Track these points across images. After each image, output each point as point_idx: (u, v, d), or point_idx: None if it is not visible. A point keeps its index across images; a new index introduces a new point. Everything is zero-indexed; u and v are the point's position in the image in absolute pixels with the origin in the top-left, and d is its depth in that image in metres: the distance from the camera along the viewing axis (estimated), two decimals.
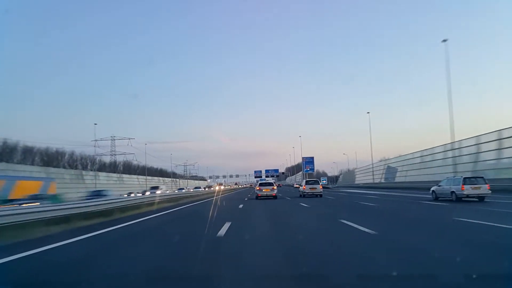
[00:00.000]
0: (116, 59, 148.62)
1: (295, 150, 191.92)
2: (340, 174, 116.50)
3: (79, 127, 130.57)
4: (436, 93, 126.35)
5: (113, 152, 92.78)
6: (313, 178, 48.83)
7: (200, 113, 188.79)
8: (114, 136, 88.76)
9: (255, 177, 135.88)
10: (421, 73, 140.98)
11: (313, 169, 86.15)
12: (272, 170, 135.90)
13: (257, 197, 27.72)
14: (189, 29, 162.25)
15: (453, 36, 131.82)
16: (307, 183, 30.79)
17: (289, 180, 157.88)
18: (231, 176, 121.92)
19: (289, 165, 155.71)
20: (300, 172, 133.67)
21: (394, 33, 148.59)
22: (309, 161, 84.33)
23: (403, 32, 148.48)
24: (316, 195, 28.66)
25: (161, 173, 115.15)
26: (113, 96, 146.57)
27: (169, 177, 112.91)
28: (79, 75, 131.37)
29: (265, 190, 27.84)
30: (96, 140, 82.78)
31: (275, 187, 28.95)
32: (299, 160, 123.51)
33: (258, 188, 28.57)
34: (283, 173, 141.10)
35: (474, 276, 4.43)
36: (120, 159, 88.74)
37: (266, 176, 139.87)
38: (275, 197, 27.66)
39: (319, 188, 29.48)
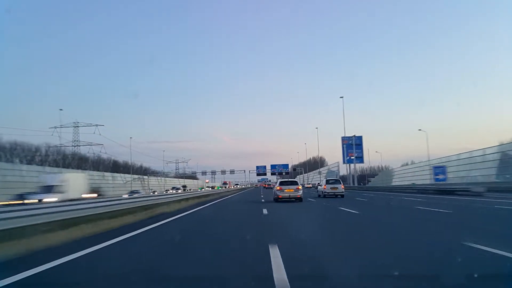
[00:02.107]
0: (116, 59, 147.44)
1: (315, 134, 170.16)
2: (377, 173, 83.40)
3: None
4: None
5: (76, 142, 71.34)
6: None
7: (201, 112, 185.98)
8: (78, 122, 70.68)
9: (258, 174, 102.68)
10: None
11: (362, 157, 52.10)
12: (280, 165, 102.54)
13: (278, 199, 22.14)
14: (189, 29, 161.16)
15: None
16: (327, 182, 28.65)
17: (299, 179, 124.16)
18: (223, 172, 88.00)
19: (296, 163, 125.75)
20: (323, 168, 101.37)
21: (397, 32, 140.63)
22: (357, 143, 49.95)
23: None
24: (336, 195, 26.36)
25: (125, 168, 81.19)
26: (113, 96, 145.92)
27: (138, 173, 79.61)
28: (79, 74, 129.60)
29: (288, 191, 22.20)
30: (55, 127, 64.53)
31: (300, 187, 22.93)
32: (316, 153, 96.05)
33: (278, 188, 22.70)
34: (294, 169, 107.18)
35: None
36: (84, 150, 71.37)
37: (272, 174, 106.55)
38: (300, 199, 22.03)
39: (340, 187, 27.22)
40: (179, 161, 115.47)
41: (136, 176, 77.16)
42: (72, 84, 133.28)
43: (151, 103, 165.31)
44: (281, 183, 23.26)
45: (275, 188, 23.56)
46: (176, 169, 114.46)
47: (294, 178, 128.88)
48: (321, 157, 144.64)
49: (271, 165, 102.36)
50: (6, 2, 75.90)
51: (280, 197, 22.03)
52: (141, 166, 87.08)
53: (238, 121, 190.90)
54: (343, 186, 27.85)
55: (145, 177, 79.57)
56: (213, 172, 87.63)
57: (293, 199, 21.94)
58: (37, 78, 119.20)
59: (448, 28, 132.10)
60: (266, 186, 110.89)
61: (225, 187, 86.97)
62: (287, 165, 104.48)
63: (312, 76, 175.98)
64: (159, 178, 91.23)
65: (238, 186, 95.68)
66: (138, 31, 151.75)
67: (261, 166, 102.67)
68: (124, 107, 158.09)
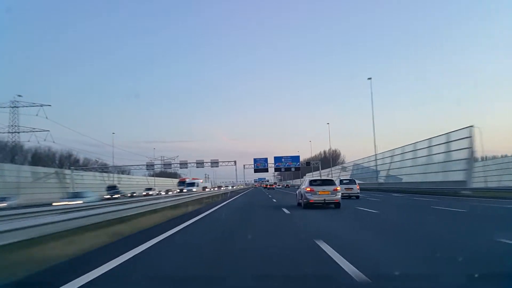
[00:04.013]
0: (117, 59, 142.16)
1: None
2: None
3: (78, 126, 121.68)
4: None
5: (14, 127, 50.11)
6: None
7: (201, 113, 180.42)
8: (18, 102, 50.17)
9: (256, 170, 71.52)
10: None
11: None
12: (287, 158, 71.78)
13: (308, 204, 16.56)
14: (190, 30, 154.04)
15: None
16: (341, 182, 25.90)
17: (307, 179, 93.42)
18: (199, 165, 55.23)
19: (303, 159, 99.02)
20: (351, 163, 71.43)
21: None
22: None
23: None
24: (350, 197, 24.38)
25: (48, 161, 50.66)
26: (114, 95, 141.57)
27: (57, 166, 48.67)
28: (80, 74, 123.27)
29: (322, 193, 16.56)
30: None
31: (338, 188, 17.19)
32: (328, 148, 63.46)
33: (308, 189, 16.87)
34: (307, 163, 76.04)
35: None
36: (25, 138, 48.86)
37: (277, 169, 75.76)
38: (338, 204, 16.53)
39: (355, 188, 25.55)
40: (164, 158, 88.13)
41: (52, 170, 45.45)
42: (72, 84, 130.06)
43: (151, 103, 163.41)
44: (312, 183, 17.29)
45: (302, 190, 17.49)
46: (162, 166, 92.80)
47: (305, 175, 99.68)
48: (335, 150, 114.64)
49: (275, 158, 71.30)
50: (6, 2, 69.70)
51: (311, 201, 16.47)
52: (68, 156, 55.57)
53: (238, 121, 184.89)
54: (358, 187, 26.07)
55: (67, 171, 47.83)
56: (183, 164, 55.35)
57: (327, 204, 16.59)
58: (36, 78, 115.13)
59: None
60: (268, 186, 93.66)
61: (181, 190, 52.63)
62: (298, 157, 73.17)
63: (313, 75, 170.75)
64: (106, 174, 59.44)
65: (195, 190, 47.70)
66: (140, 31, 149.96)
67: (260, 159, 71.55)
68: (123, 107, 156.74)
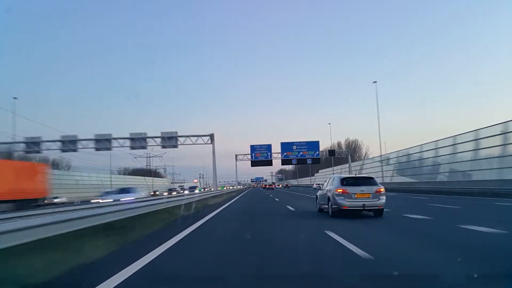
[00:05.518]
0: (117, 59, 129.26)
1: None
2: None
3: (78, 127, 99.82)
4: None
5: None
6: None
7: (200, 113, 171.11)
8: None
9: (253, 163, 47.56)
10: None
11: None
12: (301, 144, 47.82)
13: (339, 212, 12.04)
14: (190, 30, 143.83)
15: None
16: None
17: (326, 179, 70.64)
18: (139, 146, 29.84)
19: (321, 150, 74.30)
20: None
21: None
22: None
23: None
24: None
25: None
26: (114, 95, 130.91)
27: None
28: (80, 74, 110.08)
29: (360, 196, 11.93)
30: None
31: (382, 189, 12.11)
32: (350, 137, 43.85)
33: (340, 190, 12.14)
34: (331, 152, 51.76)
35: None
36: None
37: (285, 162, 51.41)
38: (380, 212, 11.99)
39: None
40: (150, 155, 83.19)
41: None
42: (72, 84, 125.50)
43: (150, 103, 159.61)
44: (345, 182, 12.38)
45: (330, 192, 12.73)
46: (147, 164, 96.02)
47: (317, 173, 75.20)
48: (355, 140, 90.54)
49: (283, 145, 47.34)
50: (6, 2, 55.32)
51: (345, 207, 11.83)
52: None
53: (238, 121, 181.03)
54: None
55: None
56: (102, 141, 29.19)
57: (365, 211, 12.02)
58: (36, 78, 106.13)
59: None
60: (268, 186, 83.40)
61: None
62: (317, 144, 49.05)
63: (313, 75, 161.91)
64: None
65: None
66: (140, 32, 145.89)
67: (260, 147, 47.63)
68: (122, 107, 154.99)
